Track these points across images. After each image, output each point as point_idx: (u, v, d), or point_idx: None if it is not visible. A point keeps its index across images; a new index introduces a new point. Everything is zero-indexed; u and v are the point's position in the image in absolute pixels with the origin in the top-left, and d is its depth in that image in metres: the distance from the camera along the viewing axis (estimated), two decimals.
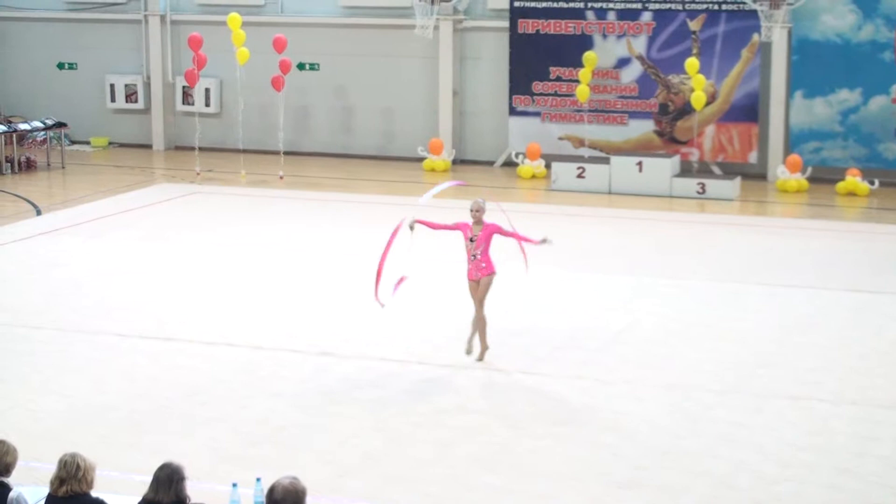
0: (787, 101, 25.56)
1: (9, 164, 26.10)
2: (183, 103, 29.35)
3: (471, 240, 13.10)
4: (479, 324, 13.29)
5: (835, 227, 21.49)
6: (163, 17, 29.36)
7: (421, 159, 27.16)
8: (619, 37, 26.29)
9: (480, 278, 13.16)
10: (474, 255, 13.12)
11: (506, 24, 27.03)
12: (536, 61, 26.75)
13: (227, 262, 18.11)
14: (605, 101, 26.45)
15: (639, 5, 26.10)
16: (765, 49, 25.47)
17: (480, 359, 13.32)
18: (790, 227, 21.48)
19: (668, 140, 26.20)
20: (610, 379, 12.98)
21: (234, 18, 24.75)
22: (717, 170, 25.79)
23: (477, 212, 13.07)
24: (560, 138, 26.85)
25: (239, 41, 24.69)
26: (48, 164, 26.96)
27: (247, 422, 11.63)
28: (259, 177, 25.56)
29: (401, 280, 12.72)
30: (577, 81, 25.82)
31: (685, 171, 24.99)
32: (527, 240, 13.22)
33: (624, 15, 26.18)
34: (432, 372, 13.15)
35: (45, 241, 19.51)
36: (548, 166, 25.81)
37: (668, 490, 10.16)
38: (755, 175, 25.70)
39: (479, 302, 13.20)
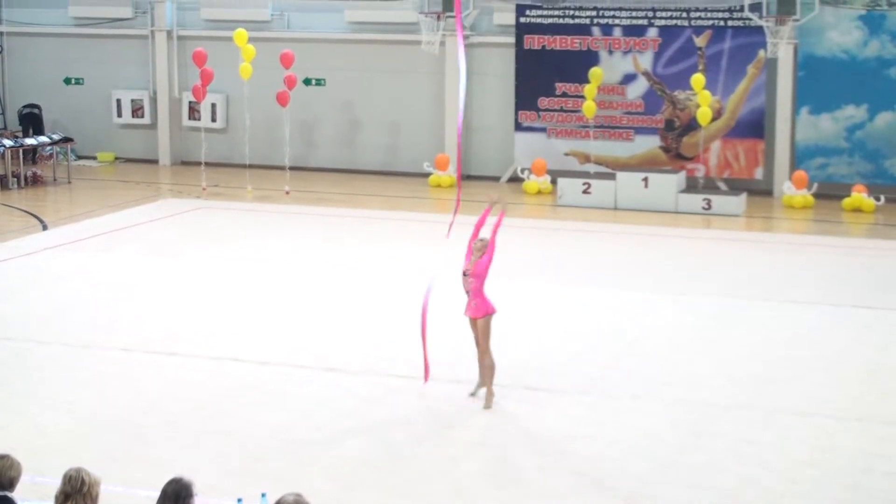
0: (793, 117, 25.57)
1: (15, 179, 26.14)
2: (189, 118, 29.40)
3: (464, 273, 12.45)
4: (485, 370, 12.45)
5: (841, 243, 21.49)
6: (169, 33, 29.43)
7: (427, 175, 27.18)
8: (625, 53, 26.31)
9: (472, 317, 12.49)
10: (466, 292, 12.49)
11: (512, 39, 27.06)
12: (542, 77, 26.77)
13: (233, 278, 18.12)
14: (611, 117, 26.47)
15: (645, 21, 26.13)
16: (771, 65, 25.48)
17: (487, 406, 12.37)
18: (796, 244, 21.46)
19: (674, 156, 26.20)
20: (616, 394, 12.96)
21: (241, 34, 24.80)
22: (722, 186, 25.78)
23: (481, 249, 12.35)
24: (566, 154, 26.86)
25: (249, 56, 24.73)
26: (54, 179, 27.00)
27: (253, 436, 11.61)
28: (265, 192, 25.58)
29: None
30: (583, 97, 25.85)
31: (691, 186, 24.99)
32: (499, 222, 12.51)
33: (630, 31, 26.21)
34: (438, 388, 13.12)
35: (52, 255, 19.53)
36: (553, 182, 25.83)
37: None
38: (761, 191, 25.69)
39: (480, 347, 12.45)
